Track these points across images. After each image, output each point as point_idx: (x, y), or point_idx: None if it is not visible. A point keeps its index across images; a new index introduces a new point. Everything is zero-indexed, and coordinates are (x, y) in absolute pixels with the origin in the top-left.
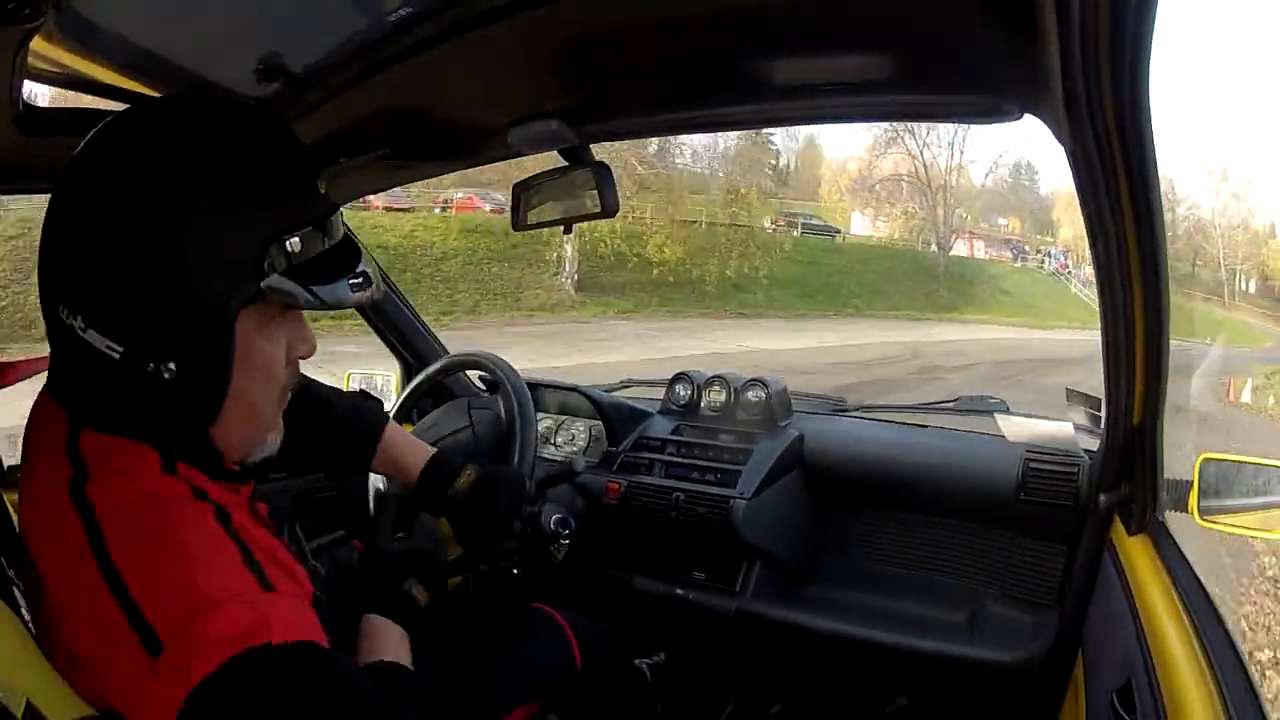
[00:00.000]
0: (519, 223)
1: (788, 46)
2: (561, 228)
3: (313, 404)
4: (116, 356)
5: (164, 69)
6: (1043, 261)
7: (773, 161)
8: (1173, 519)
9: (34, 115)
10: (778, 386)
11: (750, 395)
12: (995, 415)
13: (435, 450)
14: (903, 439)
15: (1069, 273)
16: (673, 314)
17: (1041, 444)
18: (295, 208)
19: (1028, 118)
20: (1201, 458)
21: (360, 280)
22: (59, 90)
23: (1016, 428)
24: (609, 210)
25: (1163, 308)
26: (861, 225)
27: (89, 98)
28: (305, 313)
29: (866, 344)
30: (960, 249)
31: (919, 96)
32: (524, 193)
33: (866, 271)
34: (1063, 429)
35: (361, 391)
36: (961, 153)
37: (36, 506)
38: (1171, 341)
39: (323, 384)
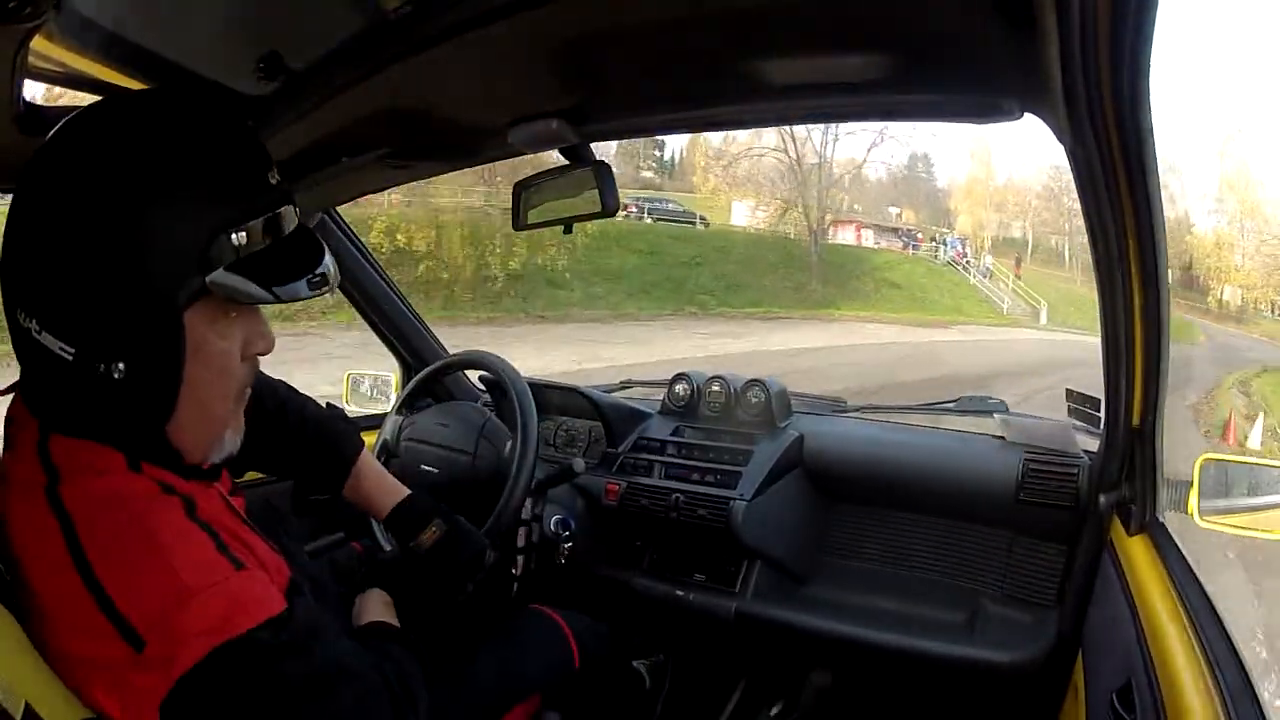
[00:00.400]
0: (519, 223)
1: (787, 46)
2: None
3: (289, 412)
4: (69, 358)
5: (164, 68)
6: (937, 250)
7: (656, 153)
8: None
9: (34, 115)
10: (777, 387)
11: (750, 396)
12: (995, 415)
13: (407, 492)
14: (902, 439)
15: (967, 262)
16: (452, 319)
17: (1041, 444)
18: (241, 201)
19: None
20: (1202, 458)
21: (318, 279)
22: (60, 90)
23: (1016, 428)
24: (609, 209)
25: (1163, 308)
26: (742, 215)
27: (90, 97)
28: (265, 308)
29: (648, 362)
30: (848, 238)
31: (919, 96)
32: (524, 192)
33: (725, 262)
34: (1062, 429)
35: (338, 413)
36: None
37: (15, 512)
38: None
39: (298, 392)
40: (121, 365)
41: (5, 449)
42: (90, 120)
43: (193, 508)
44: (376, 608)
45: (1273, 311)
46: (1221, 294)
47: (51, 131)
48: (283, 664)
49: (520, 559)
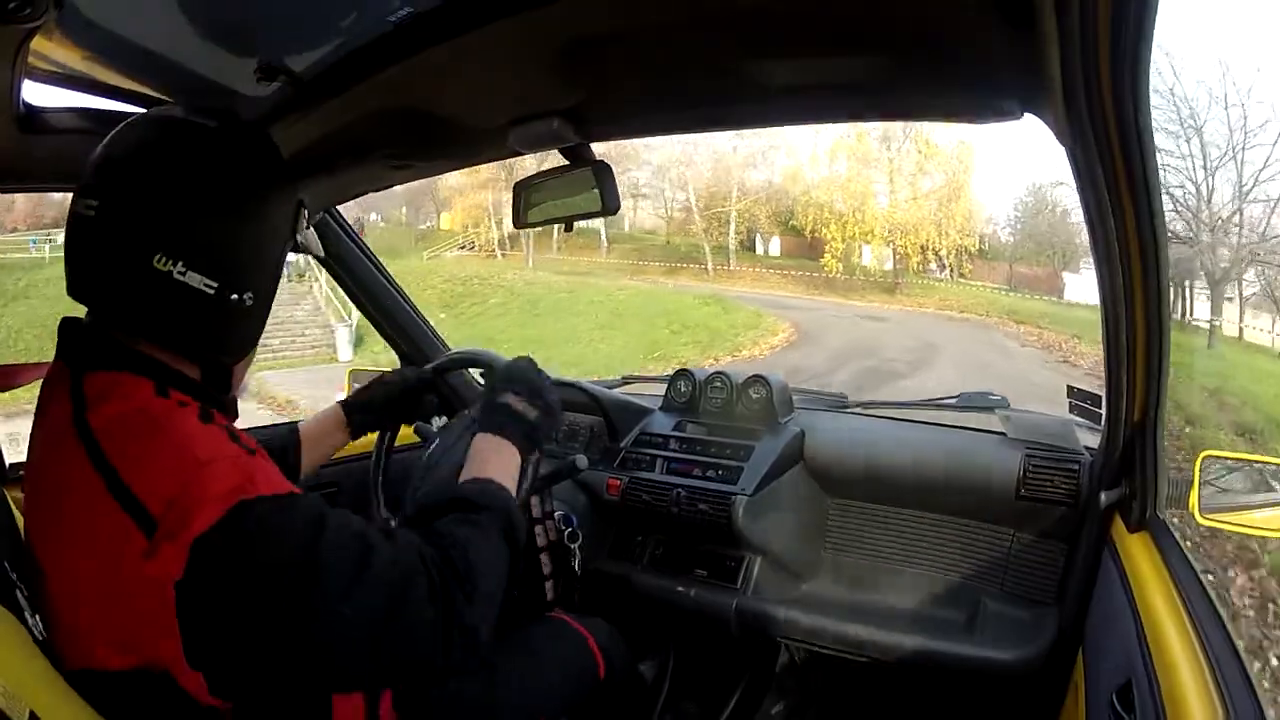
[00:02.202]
0: (520, 222)
1: (787, 47)
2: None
3: None
4: (210, 292)
5: (165, 69)
6: None
7: None
8: None
9: (34, 114)
10: (779, 383)
11: (751, 392)
12: (996, 412)
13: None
14: (904, 436)
15: None
16: None
17: (1042, 441)
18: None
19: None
20: (1203, 455)
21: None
22: (58, 88)
23: (1017, 424)
24: (609, 208)
25: (1163, 305)
26: None
27: (91, 97)
28: None
29: None
30: None
31: (919, 96)
32: (524, 191)
33: None
34: (1064, 426)
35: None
36: None
37: (44, 446)
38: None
39: None
40: (250, 295)
41: (43, 402)
42: (224, 136)
43: (209, 416)
44: (490, 460)
45: (951, 270)
46: (858, 256)
47: (198, 132)
48: (301, 527)
49: (546, 558)
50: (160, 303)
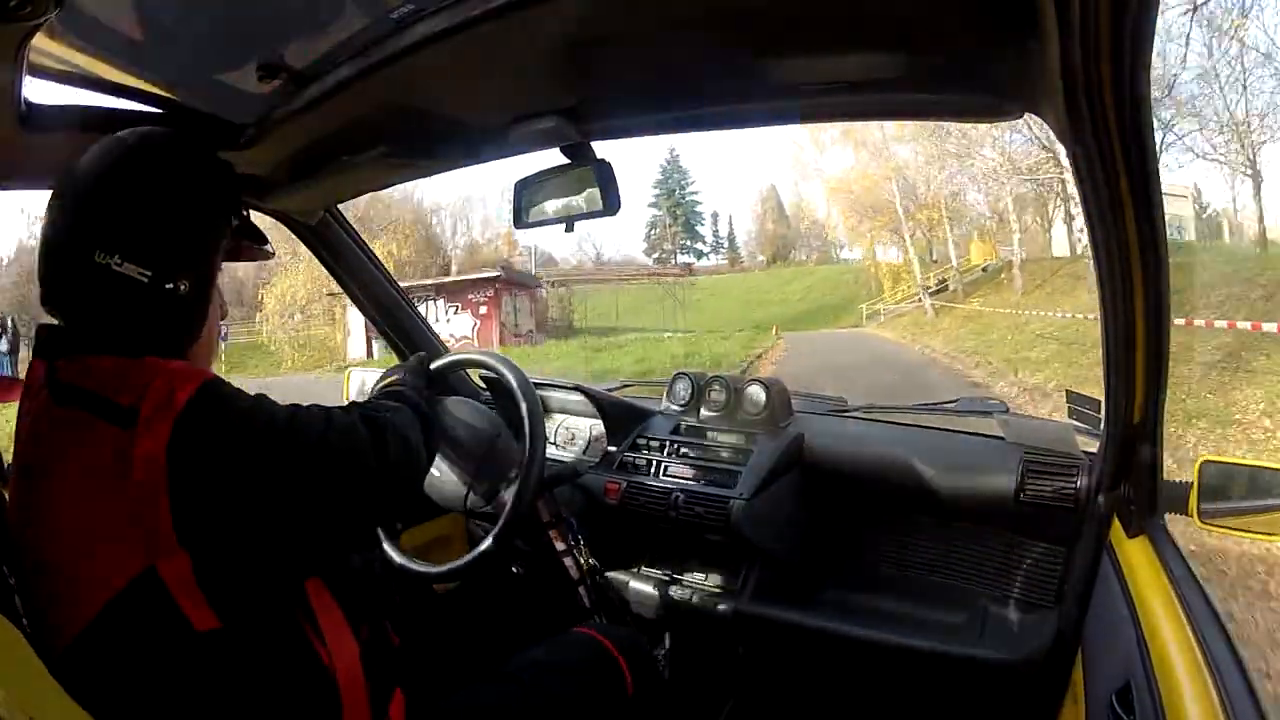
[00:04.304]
0: (520, 221)
1: (788, 46)
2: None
3: None
4: (145, 280)
5: (166, 66)
6: None
7: None
8: None
9: (35, 112)
10: (778, 386)
11: (750, 395)
12: (995, 416)
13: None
14: (902, 439)
15: None
16: None
17: (1041, 445)
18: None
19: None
20: (1201, 459)
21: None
22: (60, 86)
23: (1016, 429)
24: (611, 208)
25: (1163, 307)
26: None
27: (92, 95)
28: None
29: None
30: None
31: (919, 96)
32: (525, 190)
33: None
34: (1063, 430)
35: None
36: None
37: (27, 422)
38: None
39: None
40: (185, 284)
41: (23, 402)
42: (171, 142)
43: None
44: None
45: None
46: None
47: (136, 135)
48: (266, 398)
49: (570, 562)
50: (104, 296)
